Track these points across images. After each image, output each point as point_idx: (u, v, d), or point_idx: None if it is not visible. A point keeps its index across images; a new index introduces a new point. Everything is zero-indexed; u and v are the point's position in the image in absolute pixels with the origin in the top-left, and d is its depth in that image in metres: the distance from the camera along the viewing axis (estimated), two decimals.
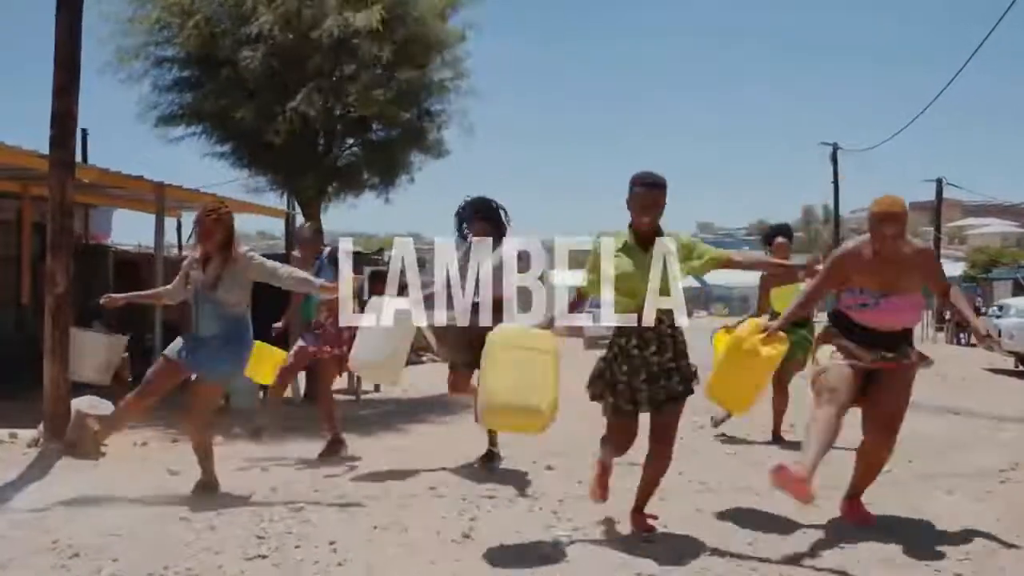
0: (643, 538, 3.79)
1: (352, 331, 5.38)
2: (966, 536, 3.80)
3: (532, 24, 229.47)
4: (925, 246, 4.22)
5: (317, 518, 4.19)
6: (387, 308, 5.04)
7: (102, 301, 5.10)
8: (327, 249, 6.05)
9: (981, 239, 64.10)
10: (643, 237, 3.82)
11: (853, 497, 4.11)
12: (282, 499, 4.61)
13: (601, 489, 3.87)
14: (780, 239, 6.48)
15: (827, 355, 3.98)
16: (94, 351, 7.17)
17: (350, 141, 10.52)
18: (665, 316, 3.77)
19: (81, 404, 6.22)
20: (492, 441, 5.48)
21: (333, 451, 5.90)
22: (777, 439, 6.33)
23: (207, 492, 4.69)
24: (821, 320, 4.86)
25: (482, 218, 5.34)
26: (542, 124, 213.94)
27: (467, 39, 10.40)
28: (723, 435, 6.58)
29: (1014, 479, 4.92)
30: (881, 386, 3.91)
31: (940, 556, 3.54)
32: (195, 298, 4.72)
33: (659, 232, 3.83)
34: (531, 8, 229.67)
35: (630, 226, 3.87)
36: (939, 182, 34.44)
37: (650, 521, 3.95)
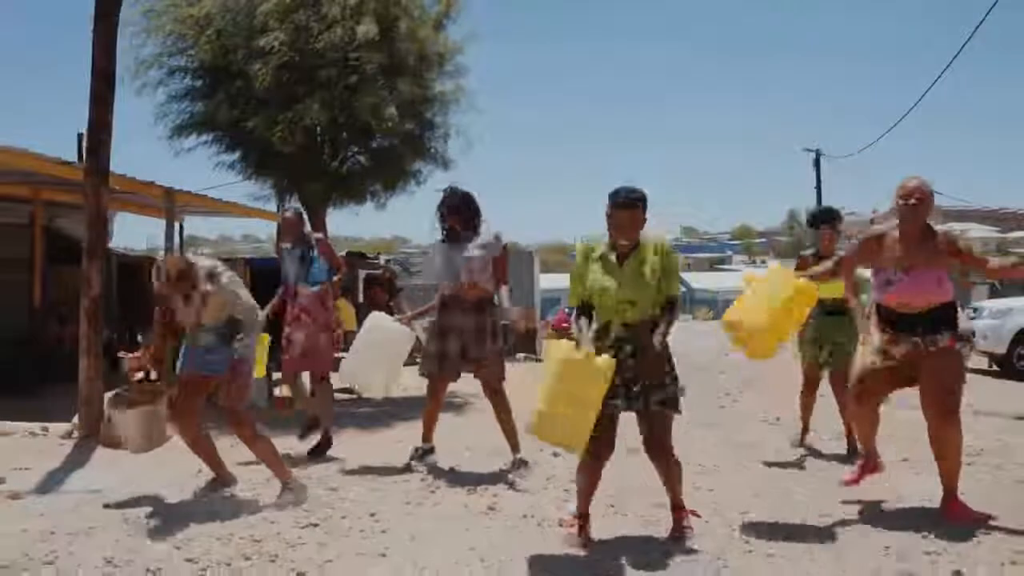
0: (673, 536, 3.84)
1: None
2: (928, 511, 4.29)
3: (517, 26, 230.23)
4: (946, 232, 4.26)
5: (354, 495, 4.66)
6: (383, 325, 5.43)
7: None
8: (313, 237, 6.14)
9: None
10: (621, 249, 3.80)
11: (949, 498, 4.19)
12: (315, 482, 5.04)
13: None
14: (825, 229, 5.78)
15: (862, 357, 4.30)
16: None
17: (355, 149, 10.91)
18: (639, 328, 3.71)
19: (108, 400, 6.63)
20: (516, 447, 5.42)
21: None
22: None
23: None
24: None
25: (452, 212, 5.37)
26: (525, 126, 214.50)
27: (464, 52, 10.80)
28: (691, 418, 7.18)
29: (978, 463, 5.41)
30: (924, 374, 4.09)
31: (907, 527, 4.02)
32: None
33: (638, 243, 3.79)
34: (517, 10, 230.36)
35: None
36: None
37: (685, 523, 3.87)
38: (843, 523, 4.09)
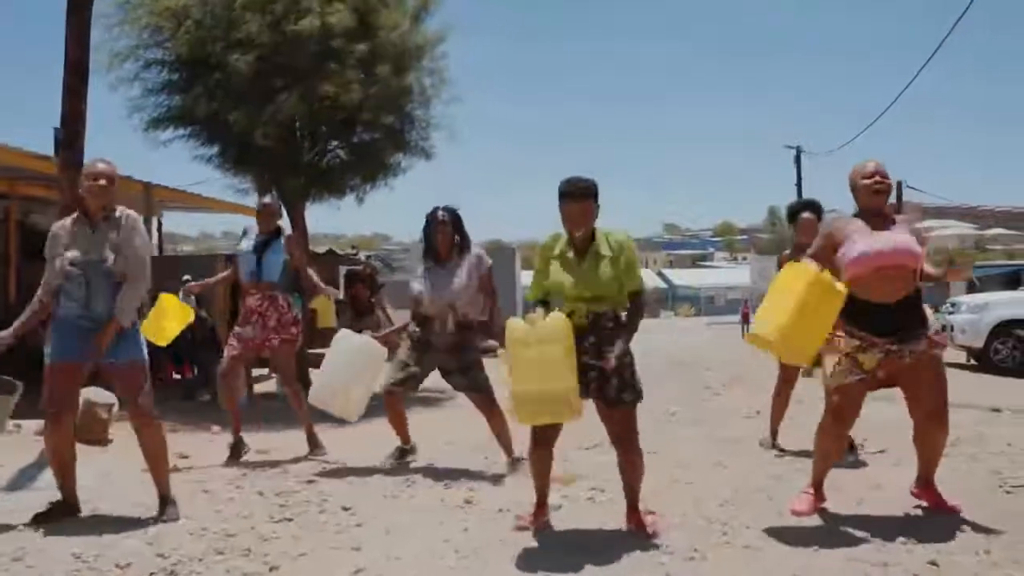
0: (644, 536, 3.72)
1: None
2: (906, 502, 4.30)
3: (503, 24, 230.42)
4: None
5: (330, 489, 4.61)
6: (351, 344, 5.19)
7: None
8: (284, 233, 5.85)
9: (941, 241, 65.87)
10: (579, 243, 3.72)
11: (928, 486, 4.19)
12: (291, 476, 5.00)
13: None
14: (806, 215, 5.68)
15: (831, 366, 3.98)
16: None
17: (334, 143, 10.82)
18: (604, 320, 3.67)
19: (89, 394, 6.55)
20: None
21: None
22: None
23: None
24: None
25: (443, 231, 5.13)
26: (511, 123, 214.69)
27: (444, 40, 10.70)
28: (673, 413, 7.20)
29: (954, 453, 5.43)
30: (912, 381, 3.94)
31: (884, 518, 4.05)
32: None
33: (594, 237, 3.71)
34: (504, 8, 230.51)
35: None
36: (899, 185, 35.47)
37: (648, 518, 3.82)
38: (821, 514, 4.08)
